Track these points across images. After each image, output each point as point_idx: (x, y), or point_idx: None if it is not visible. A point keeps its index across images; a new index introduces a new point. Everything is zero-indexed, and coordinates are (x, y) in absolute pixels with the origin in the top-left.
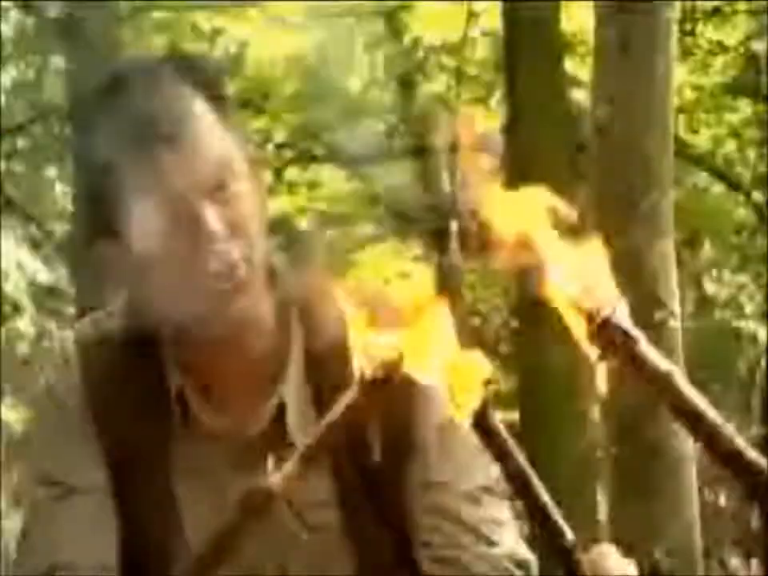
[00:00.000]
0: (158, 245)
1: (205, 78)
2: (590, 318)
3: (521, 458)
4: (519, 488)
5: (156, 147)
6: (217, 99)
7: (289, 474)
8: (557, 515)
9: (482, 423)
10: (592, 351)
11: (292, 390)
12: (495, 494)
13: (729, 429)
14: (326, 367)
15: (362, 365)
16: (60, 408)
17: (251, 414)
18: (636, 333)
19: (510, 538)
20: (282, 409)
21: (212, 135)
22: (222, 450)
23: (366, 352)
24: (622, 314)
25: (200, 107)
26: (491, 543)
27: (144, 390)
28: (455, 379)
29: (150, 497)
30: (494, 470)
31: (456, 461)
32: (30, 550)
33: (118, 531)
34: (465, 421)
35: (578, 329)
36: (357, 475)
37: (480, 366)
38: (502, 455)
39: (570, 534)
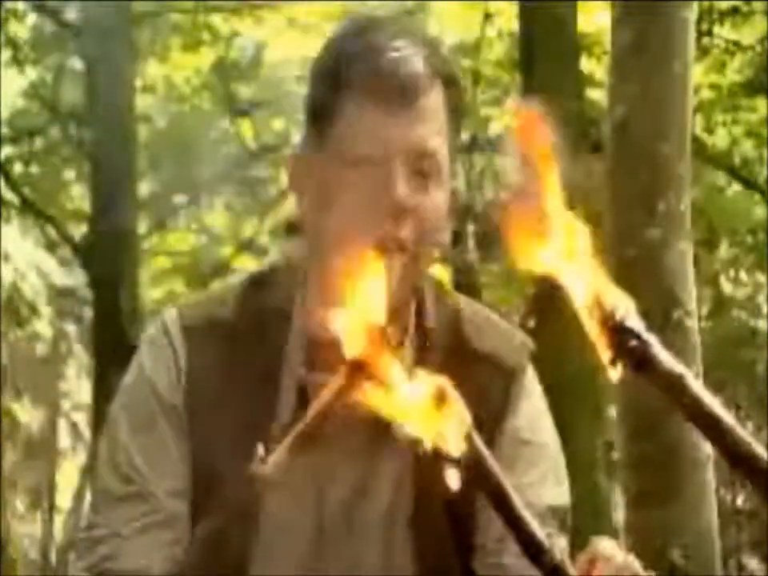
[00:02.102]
0: (346, 182)
1: (452, 75)
2: (602, 321)
3: (506, 485)
4: (501, 513)
5: (389, 93)
6: (454, 99)
7: (280, 461)
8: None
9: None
10: (605, 355)
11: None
12: (559, 519)
13: (743, 431)
14: (437, 359)
15: (347, 348)
16: (155, 398)
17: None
18: (648, 336)
19: None
20: None
21: (437, 121)
22: (322, 446)
23: (352, 333)
24: (634, 318)
25: (440, 93)
26: None
27: (251, 386)
28: (435, 408)
29: (231, 499)
30: (565, 497)
31: (531, 474)
32: (88, 543)
33: (185, 540)
34: (455, 451)
35: (592, 332)
36: (438, 476)
37: (453, 392)
38: (485, 481)
39: (556, 554)
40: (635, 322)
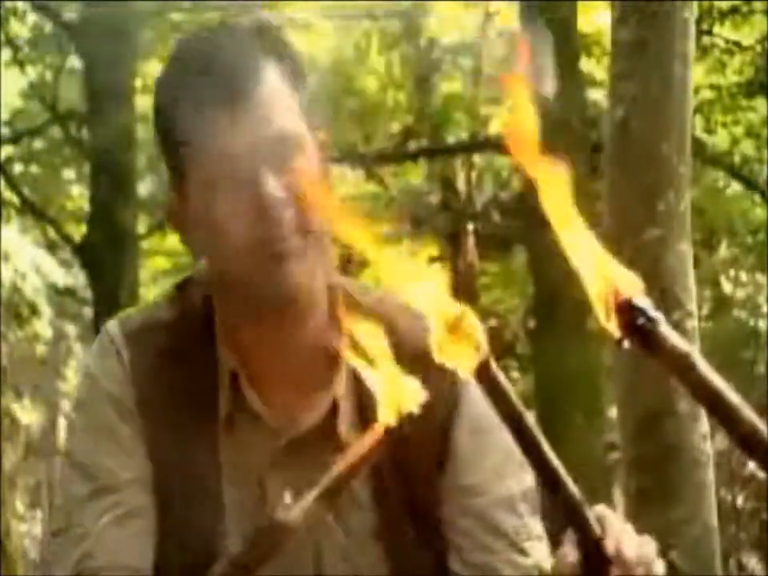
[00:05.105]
0: (215, 203)
1: (285, 49)
2: (610, 299)
3: (525, 414)
4: (523, 447)
5: (225, 107)
6: (294, 71)
7: (307, 510)
8: (563, 475)
9: (483, 377)
10: (613, 333)
11: (343, 388)
12: (530, 503)
13: (748, 410)
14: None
15: (383, 412)
16: (107, 399)
17: (303, 407)
18: (656, 314)
19: (541, 552)
20: (334, 407)
21: (282, 106)
22: (269, 442)
23: (388, 399)
24: (642, 296)
25: (276, 76)
26: (522, 552)
27: (193, 379)
28: (451, 332)
29: (194, 488)
30: (531, 480)
31: (493, 467)
32: (62, 547)
33: (155, 532)
34: (466, 373)
35: (600, 311)
36: (396, 482)
37: (472, 318)
38: (504, 409)
39: (577, 493)
40: (643, 301)
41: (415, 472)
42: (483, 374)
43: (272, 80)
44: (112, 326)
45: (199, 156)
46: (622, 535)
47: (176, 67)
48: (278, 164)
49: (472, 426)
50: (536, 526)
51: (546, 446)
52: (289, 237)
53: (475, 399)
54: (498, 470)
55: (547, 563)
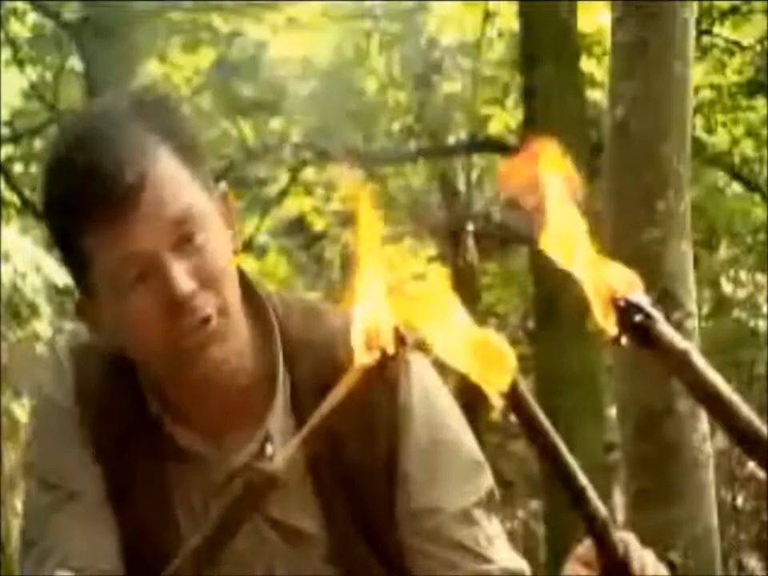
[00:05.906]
0: (126, 305)
1: (169, 121)
2: (608, 297)
3: (554, 435)
4: (551, 464)
5: (116, 205)
6: (182, 143)
7: (289, 459)
8: (591, 493)
9: (512, 401)
10: (610, 331)
11: (278, 420)
12: (487, 506)
13: (746, 407)
14: (310, 399)
15: (360, 348)
16: (57, 410)
17: (237, 442)
18: (654, 312)
19: (503, 552)
20: (268, 440)
21: (175, 186)
22: (210, 475)
23: (365, 335)
24: (639, 293)
25: (163, 156)
26: (487, 560)
27: (130, 407)
28: (480, 358)
29: (147, 515)
30: (487, 481)
31: (445, 482)
32: (35, 560)
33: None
34: (496, 399)
35: (598, 308)
36: (345, 503)
37: (501, 343)
38: (533, 433)
39: (603, 512)
40: (641, 298)
41: (366, 499)
42: (512, 396)
43: (160, 161)
44: (63, 338)
45: (98, 256)
46: (645, 559)
47: (60, 164)
48: (180, 248)
49: (420, 448)
50: (493, 526)
51: (573, 465)
52: (209, 324)
53: (421, 419)
54: (451, 486)
55: (513, 559)
